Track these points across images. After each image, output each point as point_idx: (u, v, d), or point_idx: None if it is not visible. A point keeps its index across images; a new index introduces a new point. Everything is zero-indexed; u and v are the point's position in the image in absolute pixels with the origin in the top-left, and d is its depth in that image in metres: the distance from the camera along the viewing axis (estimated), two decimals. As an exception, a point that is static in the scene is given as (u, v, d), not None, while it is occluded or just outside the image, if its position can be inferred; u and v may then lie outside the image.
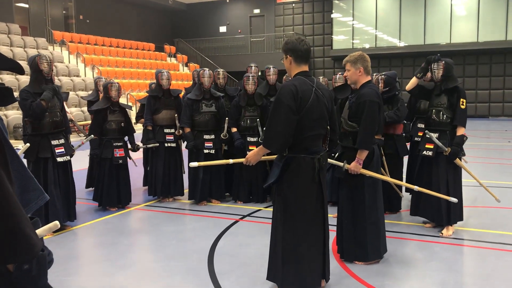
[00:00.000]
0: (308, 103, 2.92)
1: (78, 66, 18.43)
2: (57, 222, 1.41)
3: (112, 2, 22.60)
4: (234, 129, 6.16)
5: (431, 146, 4.78)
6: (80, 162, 7.64)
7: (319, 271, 3.13)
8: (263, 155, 3.20)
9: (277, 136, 2.93)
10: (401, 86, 21.71)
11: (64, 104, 5.29)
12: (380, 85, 5.40)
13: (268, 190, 5.95)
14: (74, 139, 5.66)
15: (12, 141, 8.56)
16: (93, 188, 6.24)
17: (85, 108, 13.36)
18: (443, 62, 4.74)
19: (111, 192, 5.84)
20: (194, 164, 3.58)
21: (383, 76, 5.48)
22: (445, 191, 4.64)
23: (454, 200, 4.35)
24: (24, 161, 4.43)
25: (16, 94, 5.37)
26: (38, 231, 1.35)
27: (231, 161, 3.96)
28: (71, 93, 15.05)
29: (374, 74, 5.85)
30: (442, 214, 4.70)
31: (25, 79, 13.67)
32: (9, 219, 1.09)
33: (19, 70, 1.35)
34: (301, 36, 3.40)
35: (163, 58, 23.73)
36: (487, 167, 8.73)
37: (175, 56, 24.83)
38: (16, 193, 1.40)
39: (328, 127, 3.19)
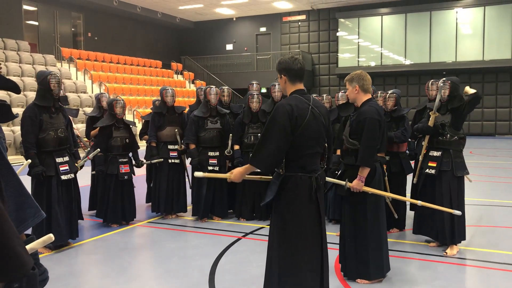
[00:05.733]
0: (304, 122, 2.91)
1: (86, 82, 18.60)
2: (51, 235, 1.41)
3: (120, 19, 22.90)
4: (237, 147, 6.17)
5: (434, 164, 4.76)
6: (83, 179, 7.64)
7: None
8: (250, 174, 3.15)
9: (267, 155, 2.90)
10: (407, 104, 21.81)
11: (71, 120, 5.32)
12: (389, 103, 5.39)
13: (270, 207, 5.93)
14: (80, 154, 5.65)
15: (18, 157, 8.48)
16: (96, 210, 6.21)
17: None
18: (449, 82, 4.74)
19: (116, 208, 5.84)
20: (199, 174, 3.51)
21: (394, 94, 5.45)
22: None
23: (458, 212, 4.30)
24: (27, 178, 4.46)
25: (20, 110, 5.38)
26: (32, 245, 1.34)
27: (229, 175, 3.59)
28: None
29: (380, 92, 5.86)
30: (445, 233, 4.65)
31: (31, 96, 13.76)
32: None
33: (16, 90, 1.37)
34: (295, 55, 3.37)
35: (170, 75, 23.92)
36: (493, 186, 8.65)
37: (182, 73, 25.01)
38: (11, 210, 1.40)
39: (326, 144, 3.17)
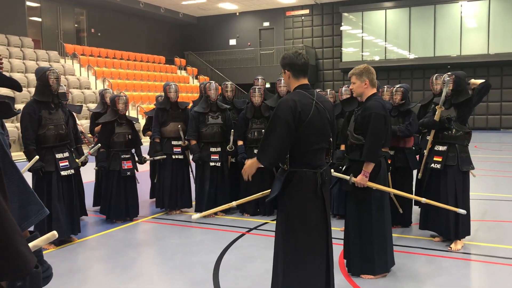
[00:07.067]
0: (308, 117, 2.89)
1: (89, 78, 18.63)
2: (55, 232, 1.40)
3: (123, 15, 22.88)
4: (240, 142, 6.16)
5: (440, 159, 4.74)
6: (87, 175, 7.65)
7: (322, 286, 3.08)
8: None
9: (270, 151, 2.91)
10: (412, 98, 21.75)
11: (75, 116, 5.30)
12: (396, 97, 5.36)
13: (275, 203, 5.93)
14: (84, 151, 5.68)
15: (22, 153, 8.52)
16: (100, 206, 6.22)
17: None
18: (453, 76, 4.70)
19: (119, 204, 5.84)
20: (195, 216, 3.49)
21: (401, 88, 5.42)
22: (453, 204, 4.58)
23: (463, 211, 4.28)
24: (28, 174, 4.46)
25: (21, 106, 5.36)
26: (35, 242, 1.34)
27: (234, 203, 3.71)
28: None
29: (386, 86, 5.83)
30: (450, 228, 4.64)
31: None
32: (2, 236, 1.08)
33: (18, 88, 1.36)
34: (299, 49, 3.32)
35: (173, 70, 23.91)
36: (498, 180, 8.61)
37: (185, 69, 25.00)
38: (14, 207, 1.40)
39: (331, 139, 3.15)
